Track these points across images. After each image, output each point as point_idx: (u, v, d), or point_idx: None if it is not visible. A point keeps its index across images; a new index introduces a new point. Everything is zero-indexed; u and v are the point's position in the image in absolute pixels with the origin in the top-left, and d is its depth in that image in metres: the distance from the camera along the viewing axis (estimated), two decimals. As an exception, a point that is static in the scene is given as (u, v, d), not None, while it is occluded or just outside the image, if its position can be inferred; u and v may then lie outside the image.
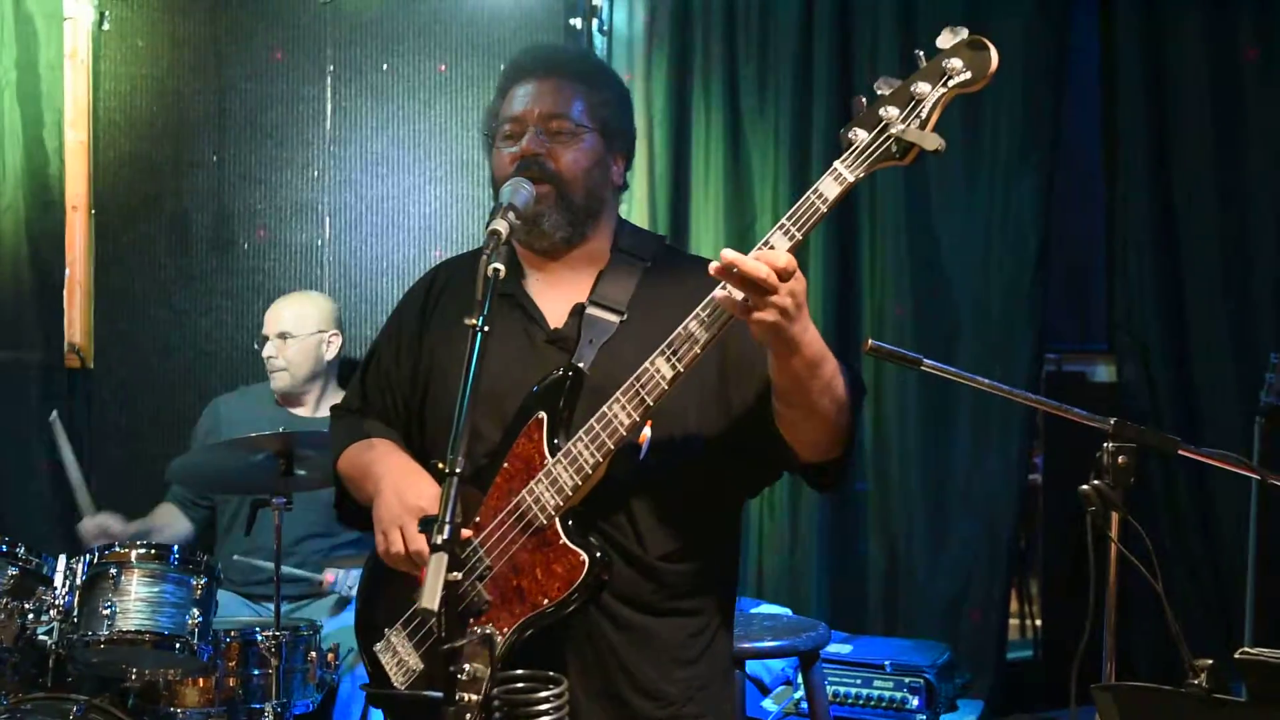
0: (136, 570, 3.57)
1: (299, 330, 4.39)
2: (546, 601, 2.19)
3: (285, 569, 3.90)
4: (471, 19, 4.88)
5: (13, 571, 3.55)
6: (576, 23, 4.92)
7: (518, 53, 2.55)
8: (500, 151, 2.42)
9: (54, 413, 4.39)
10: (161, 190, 4.93)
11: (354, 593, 4.17)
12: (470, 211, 4.86)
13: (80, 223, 4.94)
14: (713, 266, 2.03)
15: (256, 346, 4.47)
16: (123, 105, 4.89)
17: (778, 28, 4.87)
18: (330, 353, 4.45)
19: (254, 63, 4.91)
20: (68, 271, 4.93)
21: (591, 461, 2.18)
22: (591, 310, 2.37)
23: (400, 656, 2.36)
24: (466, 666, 2.09)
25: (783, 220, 2.06)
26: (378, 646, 2.41)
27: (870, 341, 2.81)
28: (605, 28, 5.03)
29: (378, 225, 4.95)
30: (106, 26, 4.84)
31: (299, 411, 4.45)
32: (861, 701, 4.21)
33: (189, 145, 4.92)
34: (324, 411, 4.39)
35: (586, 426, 2.19)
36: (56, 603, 3.55)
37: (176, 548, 3.68)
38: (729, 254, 2.02)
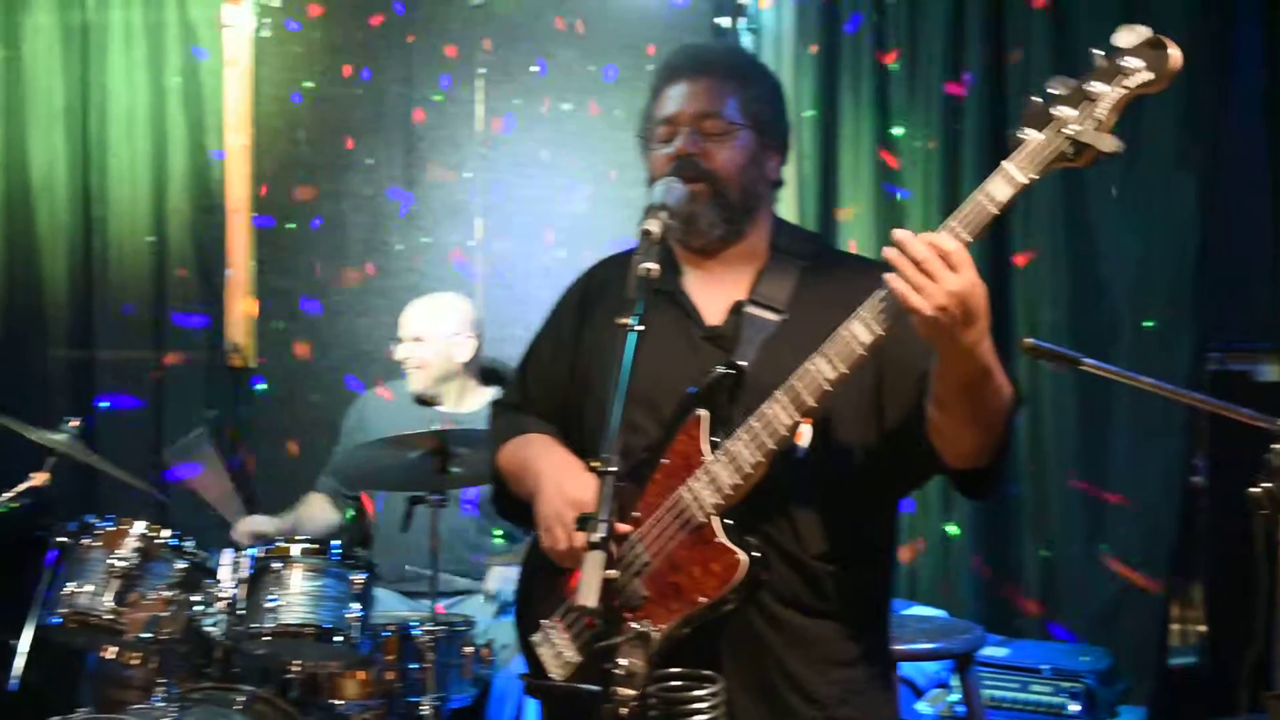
0: (298, 565, 3.64)
1: (432, 333, 4.45)
2: (703, 600, 2.18)
3: (445, 576, 3.95)
4: (620, 19, 4.90)
5: (181, 565, 3.66)
6: (724, 21, 4.92)
7: (669, 53, 2.55)
8: (656, 153, 2.43)
9: (199, 430, 4.49)
10: (318, 193, 5.04)
11: (505, 590, 4.22)
12: (621, 211, 4.88)
13: (241, 225, 5.07)
14: (886, 250, 2.01)
15: (391, 349, 4.54)
16: (281, 110, 5.00)
17: (928, 23, 4.80)
18: (463, 355, 4.49)
19: (407, 66, 4.99)
20: (229, 273, 5.06)
21: (751, 461, 2.18)
22: (751, 309, 2.37)
23: (557, 649, 2.38)
24: (623, 661, 2.10)
25: (948, 221, 2.03)
26: (535, 638, 2.43)
27: (1028, 340, 2.77)
28: (754, 25, 5.01)
29: (528, 225, 5.00)
30: (265, 34, 4.96)
31: (444, 408, 4.52)
32: (1019, 706, 4.13)
33: (345, 149, 5.02)
34: (466, 406, 4.48)
35: (746, 425, 2.19)
36: (222, 596, 3.64)
37: (337, 544, 3.75)
38: (900, 234, 2.01)
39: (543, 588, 2.45)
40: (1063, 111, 1.99)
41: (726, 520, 2.20)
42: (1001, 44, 4.67)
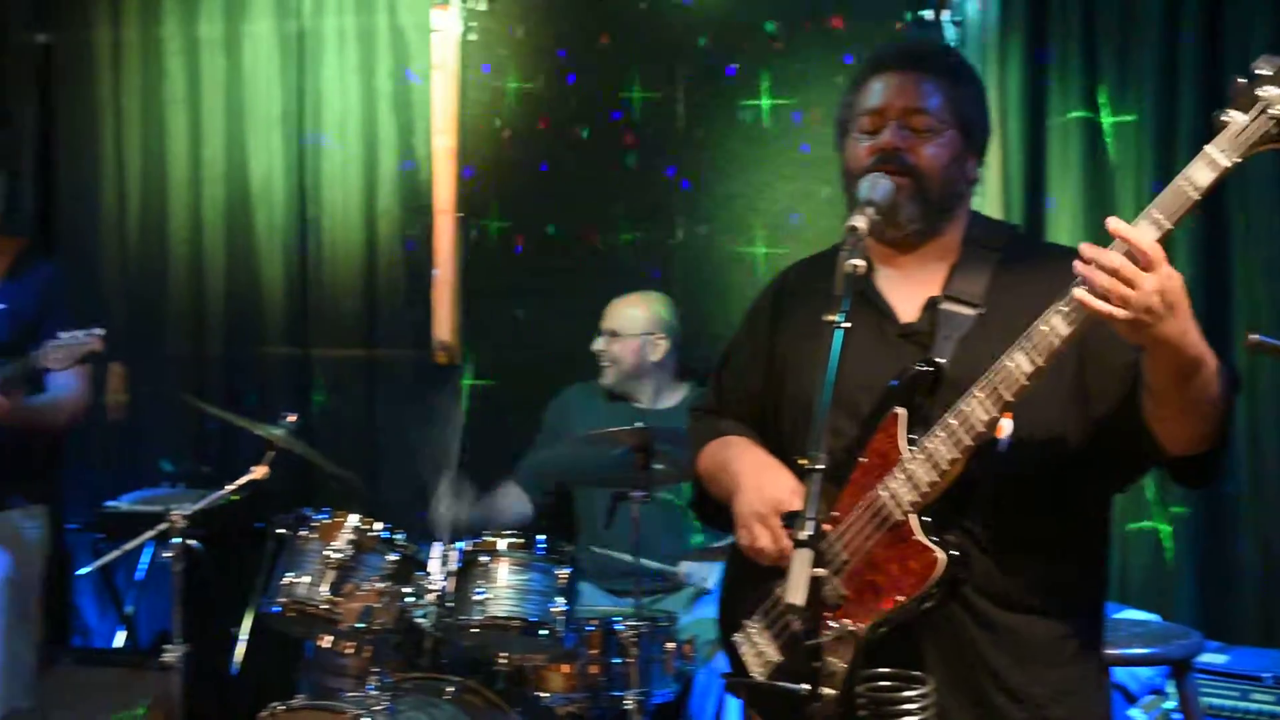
0: (505, 559, 3.71)
1: (626, 330, 4.52)
2: (901, 598, 2.16)
3: (643, 561, 3.98)
4: (816, 13, 4.86)
5: (393, 558, 3.75)
6: (928, 14, 4.84)
7: (879, 46, 2.54)
8: (856, 143, 2.41)
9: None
10: (523, 193, 5.11)
11: (707, 585, 4.24)
12: (817, 208, 4.85)
13: (448, 226, 5.17)
14: (1076, 264, 1.97)
15: (594, 341, 4.61)
16: (486, 112, 5.09)
17: (1139, 10, 4.65)
18: (655, 355, 4.55)
19: (609, 67, 5.03)
20: (436, 272, 5.17)
21: (949, 458, 2.15)
22: (946, 305, 2.33)
23: (759, 648, 2.38)
24: (826, 660, 2.09)
25: (1149, 209, 1.98)
26: (737, 637, 2.44)
27: (1253, 335, 2.67)
28: (958, 18, 4.92)
29: (728, 223, 5.00)
30: (472, 37, 5.05)
31: (641, 405, 4.56)
32: (1239, 715, 3.98)
33: (548, 149, 5.09)
34: (663, 403, 4.55)
35: (943, 422, 2.16)
36: (432, 588, 3.73)
37: (542, 539, 3.80)
38: (1087, 249, 1.96)
39: (744, 588, 2.46)
40: (1268, 92, 1.92)
41: (924, 518, 2.17)
42: (1215, 22, 4.51)
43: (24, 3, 5.42)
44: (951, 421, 2.15)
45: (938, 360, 2.25)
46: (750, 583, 2.42)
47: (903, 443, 2.21)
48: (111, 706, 4.41)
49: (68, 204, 5.44)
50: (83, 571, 4.23)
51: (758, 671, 2.38)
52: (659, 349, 4.53)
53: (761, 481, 2.36)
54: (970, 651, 2.26)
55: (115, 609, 5.13)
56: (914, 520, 2.17)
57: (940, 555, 2.14)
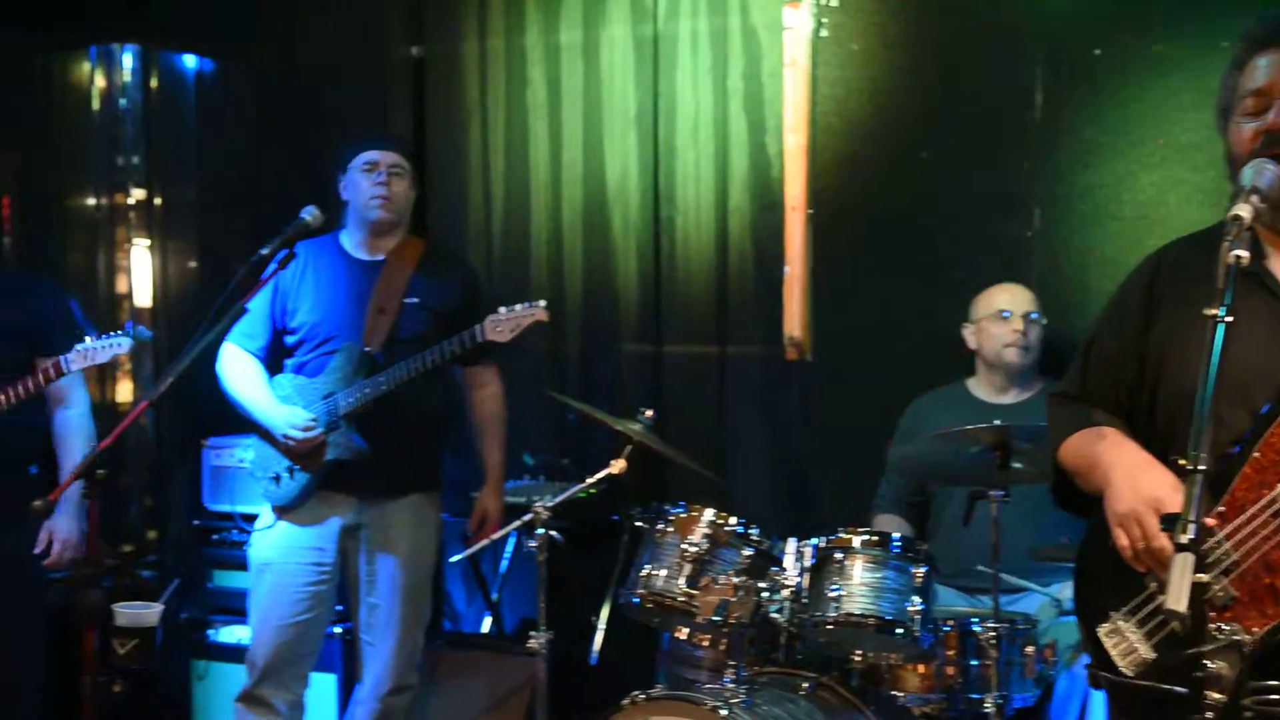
0: (860, 556, 3.69)
1: (1019, 310, 4.45)
2: (1303, 605, 2.04)
3: (1004, 574, 3.89)
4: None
5: (748, 552, 3.78)
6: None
7: (1256, 22, 2.40)
8: (1240, 127, 2.30)
9: None
10: (873, 188, 5.07)
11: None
12: (1189, 197, 4.61)
13: (798, 222, 5.18)
14: None
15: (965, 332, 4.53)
16: (838, 108, 5.06)
17: None
18: (1036, 341, 4.47)
19: (958, 61, 4.93)
20: (787, 269, 5.18)
21: None
22: None
23: (1129, 643, 2.29)
24: (1209, 666, 2.00)
25: None
26: (1102, 629, 2.35)
27: None
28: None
29: (1088, 215, 4.83)
30: (824, 33, 5.04)
31: (1001, 399, 4.46)
32: None
33: (899, 143, 5.02)
34: (1020, 397, 4.46)
35: None
36: (787, 583, 3.75)
37: (898, 536, 3.77)
38: None
39: (1109, 578, 2.37)
40: None
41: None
42: None
43: (400, 21, 5.74)
44: None
45: None
46: (1118, 572, 2.33)
47: (1303, 438, 2.10)
48: (481, 689, 4.63)
49: (438, 207, 5.72)
50: (454, 559, 4.43)
51: (1125, 667, 2.29)
52: (1036, 335, 4.49)
53: (1138, 478, 2.28)
54: None
55: (483, 596, 5.36)
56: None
57: None
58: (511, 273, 5.57)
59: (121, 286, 6.19)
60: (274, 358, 4.37)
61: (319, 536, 4.23)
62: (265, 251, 3.99)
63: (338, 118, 5.78)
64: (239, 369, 4.29)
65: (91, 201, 6.07)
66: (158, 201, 6.03)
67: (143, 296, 6.13)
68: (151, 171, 5.93)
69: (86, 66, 5.86)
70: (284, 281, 4.26)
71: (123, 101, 5.85)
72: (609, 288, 5.40)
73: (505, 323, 4.00)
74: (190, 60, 6.03)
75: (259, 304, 4.28)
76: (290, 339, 4.30)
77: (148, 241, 6.10)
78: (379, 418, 4.14)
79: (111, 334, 4.06)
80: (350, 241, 4.32)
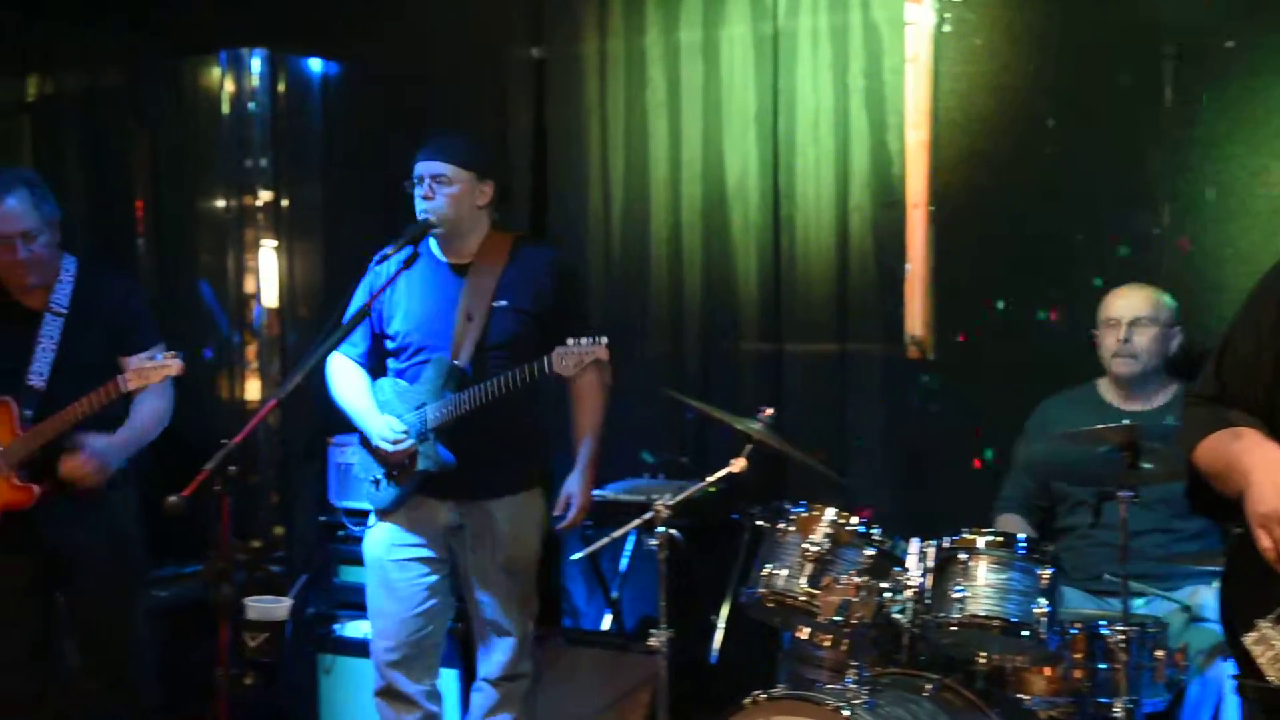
0: (984, 557, 3.66)
1: (1149, 317, 4.34)
2: None
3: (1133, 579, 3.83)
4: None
5: (870, 552, 3.76)
6: None
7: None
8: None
9: None
10: (997, 185, 5.00)
11: (1205, 605, 4.02)
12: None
13: (920, 220, 5.13)
14: None
15: (1093, 334, 4.46)
16: (961, 104, 5.01)
17: None
18: (1172, 348, 4.36)
19: (1084, 56, 4.84)
20: (908, 267, 5.13)
21: None
22: None
23: (1277, 650, 2.24)
24: None
25: None
26: (1249, 638, 2.30)
27: None
28: None
29: (1220, 211, 4.72)
30: (946, 28, 4.99)
31: (1131, 406, 4.37)
32: None
33: (1024, 139, 4.95)
34: (1153, 404, 4.37)
35: None
36: (910, 584, 3.72)
37: (1023, 537, 3.72)
38: None
39: (1256, 586, 2.32)
40: None
41: None
42: None
43: (521, 22, 5.79)
44: None
45: None
46: (1262, 578, 2.29)
47: None
48: (601, 686, 4.65)
49: (557, 208, 5.76)
50: (575, 557, 4.45)
51: (1273, 675, 2.24)
52: (1174, 343, 4.39)
53: None
54: None
55: (602, 593, 5.38)
56: None
57: None
58: (630, 272, 5.58)
59: (249, 287, 6.31)
60: (378, 361, 4.43)
61: (422, 535, 4.30)
62: (389, 251, 4.07)
63: (459, 119, 5.85)
64: (342, 375, 4.36)
65: (221, 203, 6.20)
66: (284, 203, 6.14)
67: (269, 297, 6.26)
68: (279, 173, 6.04)
69: (216, 71, 5.98)
70: (378, 286, 4.33)
71: (251, 105, 5.96)
72: (728, 286, 5.39)
73: (570, 356, 3.96)
74: (316, 64, 6.13)
75: (357, 308, 4.36)
76: (389, 344, 4.34)
77: (274, 242, 6.21)
78: (466, 430, 4.17)
79: (168, 352, 4.13)
80: (438, 247, 4.34)
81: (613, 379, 4.43)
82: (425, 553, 4.30)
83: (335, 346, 4.14)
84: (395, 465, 4.24)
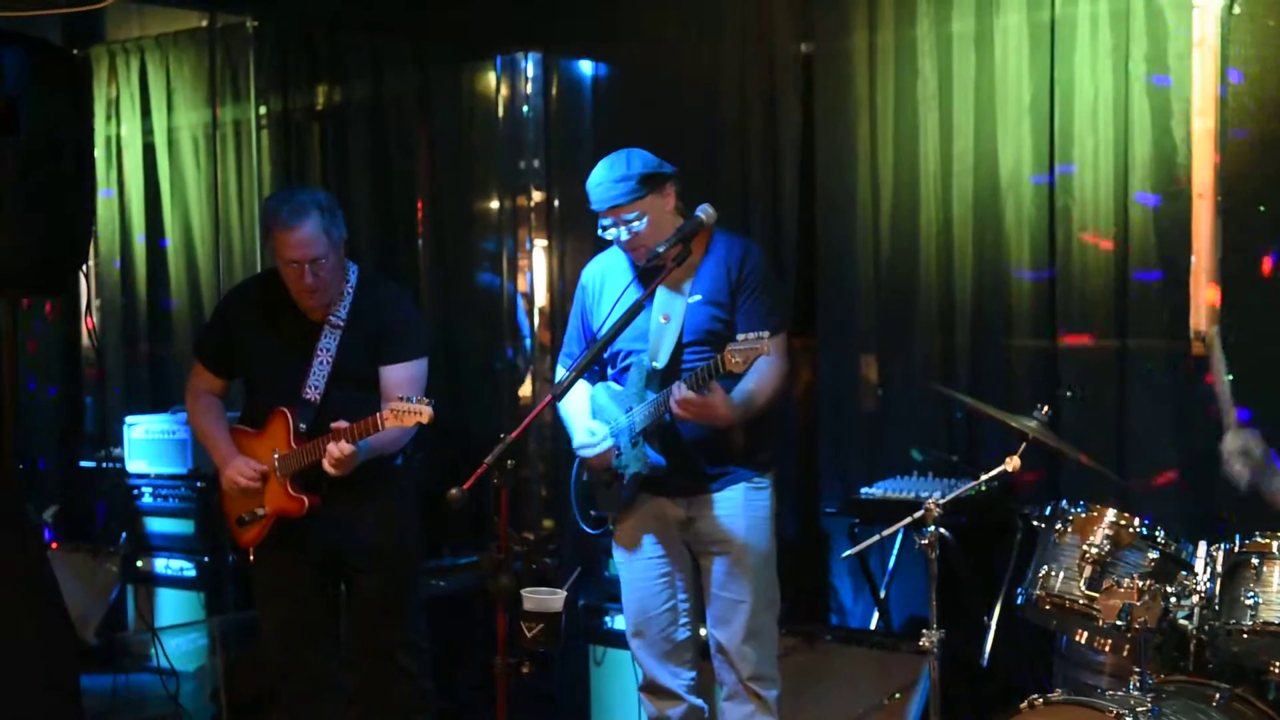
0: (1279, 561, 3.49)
1: None
2: None
3: None
4: None
5: (1153, 555, 3.64)
6: None
7: None
8: None
9: None
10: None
11: None
12: None
13: (1206, 210, 4.91)
14: None
15: None
16: (1251, 89, 4.76)
17: None
18: None
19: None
20: (1193, 259, 4.93)
21: None
22: None
23: None
24: None
25: None
26: None
27: None
28: None
29: None
30: (1236, 9, 4.76)
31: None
32: None
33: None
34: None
35: None
36: (1198, 588, 3.57)
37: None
38: None
39: None
40: None
41: None
42: None
43: (789, 19, 5.78)
44: None
45: None
46: None
47: None
48: (869, 685, 4.61)
49: (825, 203, 5.72)
50: (844, 555, 4.40)
51: None
52: None
53: None
54: None
55: (870, 592, 5.33)
56: None
57: None
58: (899, 267, 5.51)
59: (522, 285, 6.49)
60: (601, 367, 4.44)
61: (654, 532, 4.32)
62: (662, 250, 4.09)
63: (728, 116, 5.87)
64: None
65: (495, 204, 6.38)
66: (556, 203, 6.28)
67: (540, 295, 6.41)
68: (551, 174, 6.17)
69: (493, 76, 6.15)
70: (589, 295, 4.39)
71: (525, 108, 6.12)
72: (1000, 281, 5.27)
73: (740, 353, 3.85)
74: (586, 66, 6.25)
75: (575, 318, 4.44)
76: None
77: (545, 241, 6.36)
78: (671, 432, 4.18)
79: (421, 399, 4.17)
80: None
81: (788, 368, 4.29)
82: (660, 550, 4.33)
83: (607, 346, 4.17)
84: (600, 470, 4.28)
